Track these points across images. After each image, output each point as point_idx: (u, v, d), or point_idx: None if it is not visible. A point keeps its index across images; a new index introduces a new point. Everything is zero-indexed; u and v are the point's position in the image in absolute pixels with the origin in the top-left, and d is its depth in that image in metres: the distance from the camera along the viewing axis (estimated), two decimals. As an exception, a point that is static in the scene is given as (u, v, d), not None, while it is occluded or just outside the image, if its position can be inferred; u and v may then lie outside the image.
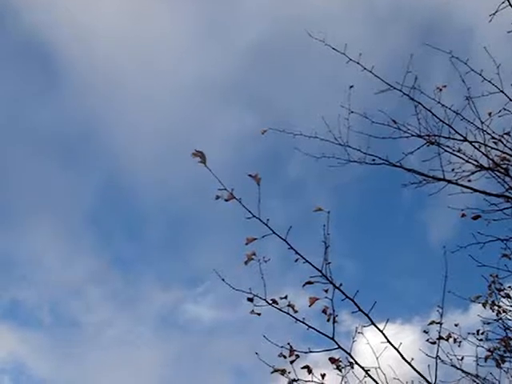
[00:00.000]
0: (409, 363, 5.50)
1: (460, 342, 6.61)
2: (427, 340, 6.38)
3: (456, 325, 6.71)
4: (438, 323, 6.16)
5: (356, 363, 5.48)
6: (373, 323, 5.22)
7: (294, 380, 5.76)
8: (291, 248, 5.10)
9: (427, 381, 5.56)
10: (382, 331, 5.35)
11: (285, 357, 5.53)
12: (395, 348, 5.40)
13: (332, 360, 5.57)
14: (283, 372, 5.70)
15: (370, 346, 5.64)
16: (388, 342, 5.34)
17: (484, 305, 7.13)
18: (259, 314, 5.54)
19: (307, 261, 5.21)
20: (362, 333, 5.60)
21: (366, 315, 5.27)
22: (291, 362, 5.51)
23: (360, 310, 5.26)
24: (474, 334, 6.96)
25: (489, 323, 7.06)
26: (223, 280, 5.47)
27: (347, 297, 5.21)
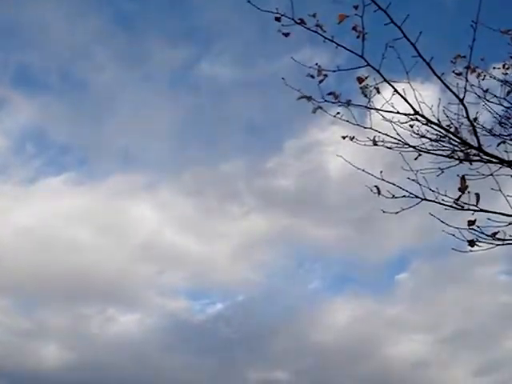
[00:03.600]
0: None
1: (484, 75, 6.55)
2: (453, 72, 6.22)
3: (482, 59, 6.60)
4: (463, 57, 6.11)
5: (385, 80, 5.45)
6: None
7: (319, 107, 5.76)
8: None
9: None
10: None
11: (313, 77, 5.48)
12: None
13: (360, 80, 5.53)
14: (309, 98, 5.68)
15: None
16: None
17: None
18: (287, 35, 5.39)
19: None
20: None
21: (398, 27, 5.13)
22: (320, 82, 5.48)
23: (392, 21, 5.11)
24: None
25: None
26: (248, 1, 5.23)
27: (379, 7, 5.04)
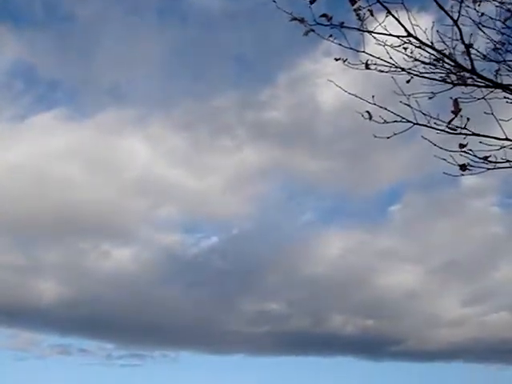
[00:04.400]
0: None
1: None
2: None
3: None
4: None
5: (378, 1, 5.32)
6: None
7: (311, 30, 5.63)
8: None
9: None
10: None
11: (304, -4, 5.33)
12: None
13: (352, 1, 5.40)
14: (301, 20, 5.55)
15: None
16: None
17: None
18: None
19: None
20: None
21: None
22: (311, 2, 5.34)
23: None
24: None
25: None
26: None
27: None
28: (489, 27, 6.61)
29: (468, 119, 5.15)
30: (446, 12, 5.38)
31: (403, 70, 5.85)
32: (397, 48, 5.91)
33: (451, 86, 5.91)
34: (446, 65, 5.81)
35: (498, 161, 5.28)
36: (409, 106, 5.48)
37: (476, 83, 5.70)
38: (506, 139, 5.40)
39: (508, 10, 6.49)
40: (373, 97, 5.73)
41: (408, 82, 5.94)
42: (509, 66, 6.09)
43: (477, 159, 5.27)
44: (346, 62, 5.80)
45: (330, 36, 5.68)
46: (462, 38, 5.61)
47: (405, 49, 5.84)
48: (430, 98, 5.92)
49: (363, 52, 5.77)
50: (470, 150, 5.24)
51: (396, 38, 5.81)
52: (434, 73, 5.86)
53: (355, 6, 5.35)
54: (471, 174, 5.50)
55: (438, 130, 5.45)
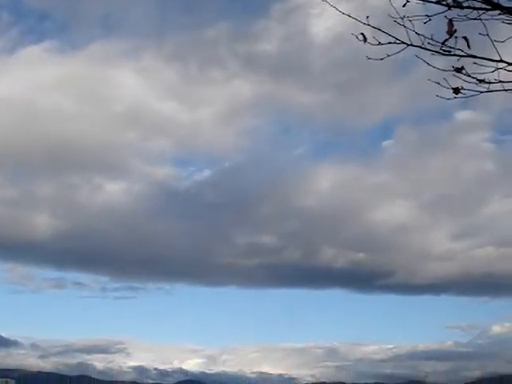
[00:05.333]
0: None
1: None
2: None
3: None
4: None
5: None
6: None
7: None
8: None
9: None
10: None
11: None
12: None
13: None
14: None
15: None
16: None
17: None
18: None
19: None
20: None
21: None
22: None
23: None
24: None
25: None
26: None
27: None
28: None
29: (465, 38, 5.06)
30: None
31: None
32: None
33: (446, 8, 5.79)
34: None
35: (491, 81, 5.23)
36: (404, 26, 5.38)
37: (471, 6, 5.57)
38: (501, 61, 5.33)
39: None
40: (367, 17, 5.62)
41: (404, 5, 5.81)
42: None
43: (471, 80, 5.20)
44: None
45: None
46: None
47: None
48: (424, 22, 5.81)
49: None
50: (463, 67, 5.17)
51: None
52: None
53: None
54: (464, 97, 5.47)
55: (433, 51, 5.36)
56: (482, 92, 5.43)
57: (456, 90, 5.42)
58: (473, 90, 5.44)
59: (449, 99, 5.45)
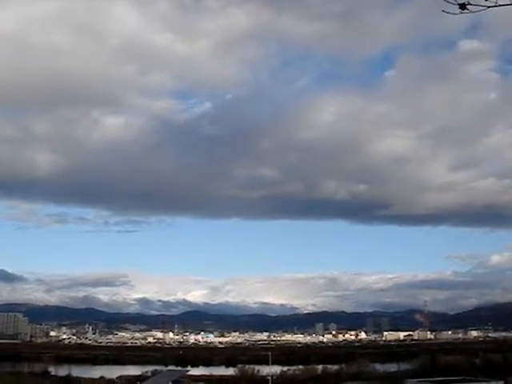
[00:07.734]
0: None
1: None
2: None
3: None
4: None
5: None
6: None
7: None
8: None
9: None
10: None
11: None
12: None
13: None
14: None
15: None
16: None
17: None
18: None
19: None
20: None
21: None
22: None
23: None
24: None
25: None
26: None
27: None
28: None
29: None
30: None
31: None
32: None
33: None
34: None
35: (499, -5, 5.00)
36: None
37: None
38: (510, -27, 5.08)
39: None
40: None
41: None
42: None
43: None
44: None
45: None
46: None
47: None
48: None
49: None
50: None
51: None
52: None
53: None
54: (470, 13, 5.25)
55: None
56: (489, 7, 5.21)
57: (462, 6, 5.20)
58: (480, 5, 5.22)
59: (455, 14, 5.22)
